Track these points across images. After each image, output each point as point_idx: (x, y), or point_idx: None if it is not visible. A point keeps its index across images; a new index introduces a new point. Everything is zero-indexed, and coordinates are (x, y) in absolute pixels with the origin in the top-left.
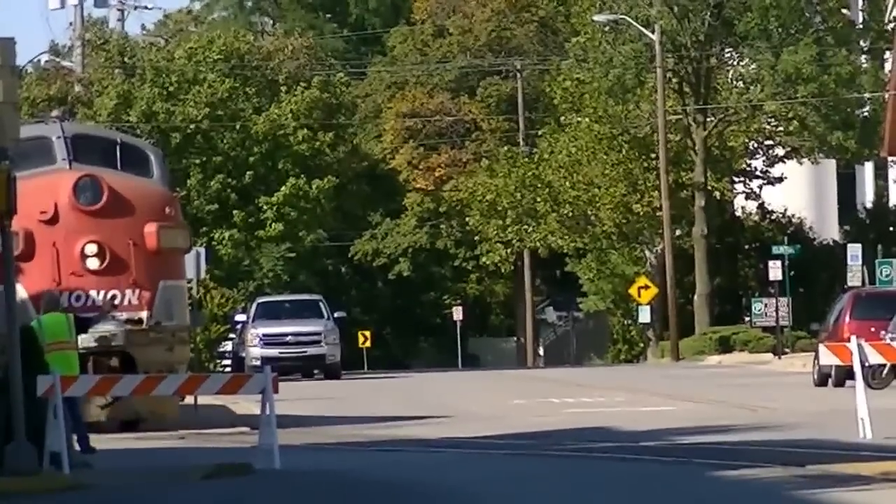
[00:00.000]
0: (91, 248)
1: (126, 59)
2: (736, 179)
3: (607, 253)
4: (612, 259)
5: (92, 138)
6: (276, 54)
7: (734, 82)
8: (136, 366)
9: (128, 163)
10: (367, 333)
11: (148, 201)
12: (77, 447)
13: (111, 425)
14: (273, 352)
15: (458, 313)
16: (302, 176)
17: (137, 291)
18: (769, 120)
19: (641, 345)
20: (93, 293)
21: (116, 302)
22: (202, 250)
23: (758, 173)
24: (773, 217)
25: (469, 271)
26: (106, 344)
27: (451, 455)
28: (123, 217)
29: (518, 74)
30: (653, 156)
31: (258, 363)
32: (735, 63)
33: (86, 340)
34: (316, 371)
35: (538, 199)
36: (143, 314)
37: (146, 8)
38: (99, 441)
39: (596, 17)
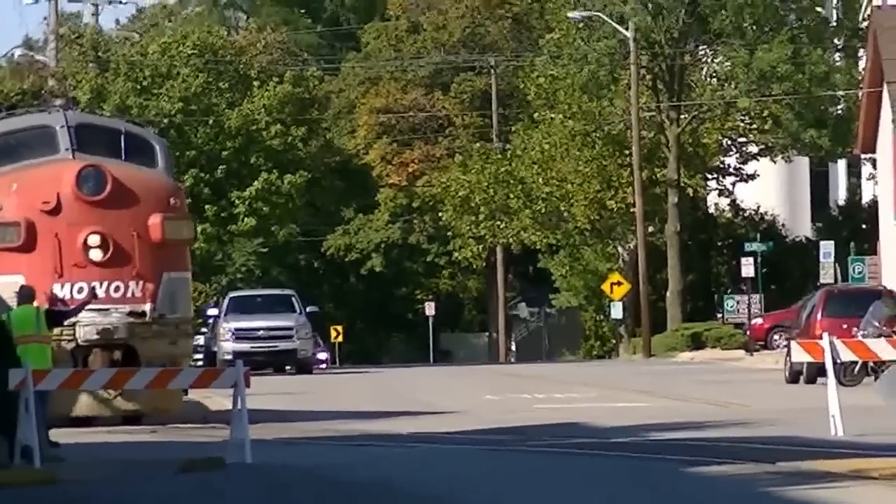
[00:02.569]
0: (94, 240)
1: (100, 54)
2: (709, 176)
3: (580, 249)
4: (584, 255)
5: (96, 128)
6: (248, 49)
7: (708, 79)
8: (138, 359)
9: (132, 153)
10: (339, 328)
11: (152, 192)
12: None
13: (113, 419)
14: (245, 346)
15: (430, 308)
16: (274, 171)
17: (141, 283)
18: (743, 117)
19: (613, 341)
20: (95, 285)
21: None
22: None
23: (731, 170)
24: (745, 214)
25: (441, 267)
26: (108, 336)
27: (423, 450)
28: (127, 208)
29: (492, 70)
30: (626, 152)
31: (230, 357)
32: (709, 60)
33: (88, 333)
34: (288, 366)
35: (511, 195)
36: (147, 307)
37: (120, 2)
38: (71, 434)
39: (570, 14)
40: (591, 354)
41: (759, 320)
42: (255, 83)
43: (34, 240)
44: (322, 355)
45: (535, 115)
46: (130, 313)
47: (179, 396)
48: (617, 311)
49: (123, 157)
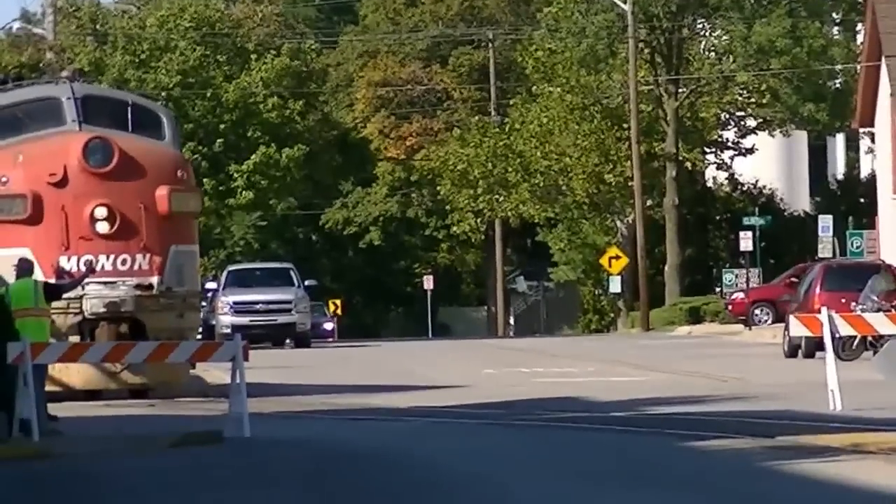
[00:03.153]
0: (101, 212)
1: (98, 27)
2: (707, 150)
3: (578, 223)
4: (583, 229)
5: (103, 99)
6: (246, 22)
7: (706, 53)
8: (146, 332)
9: (139, 125)
10: (338, 302)
11: (159, 164)
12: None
13: (120, 393)
14: (243, 320)
15: (428, 282)
16: (272, 144)
17: (148, 256)
18: (741, 91)
19: (612, 315)
20: (102, 258)
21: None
22: None
23: (729, 144)
24: (744, 188)
25: (440, 240)
26: (115, 310)
27: (422, 424)
28: (134, 180)
29: (490, 44)
30: (625, 126)
31: (228, 331)
32: (707, 34)
33: (95, 306)
34: (287, 340)
35: (509, 169)
36: (154, 279)
37: None
38: (69, 408)
39: None
40: (589, 328)
41: (740, 295)
42: (253, 56)
43: (41, 212)
44: (328, 325)
45: (534, 88)
46: (137, 286)
47: (186, 370)
48: (615, 285)
49: (130, 129)
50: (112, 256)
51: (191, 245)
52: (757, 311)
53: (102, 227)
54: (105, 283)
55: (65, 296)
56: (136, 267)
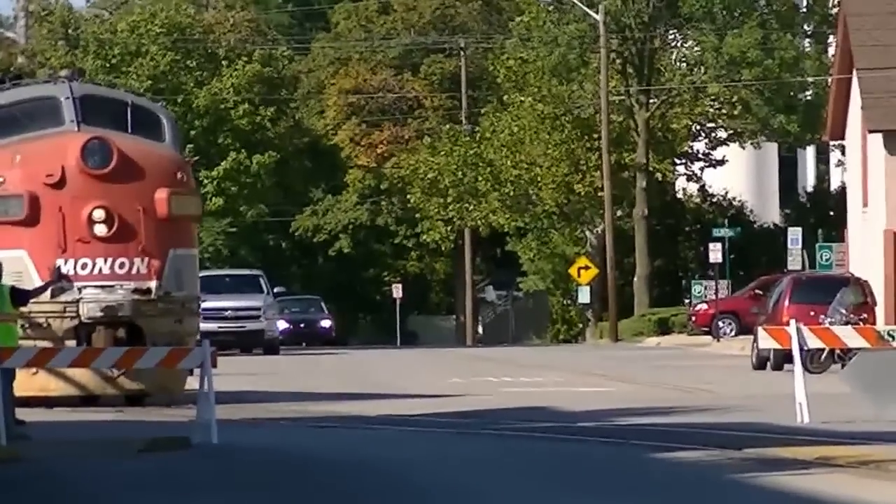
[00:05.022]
0: (99, 214)
1: (69, 31)
2: (678, 161)
3: (548, 232)
4: (552, 239)
5: (102, 99)
6: (217, 27)
7: (678, 64)
8: (143, 337)
9: (139, 125)
10: None
11: (159, 166)
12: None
13: (117, 399)
14: (212, 326)
15: (397, 291)
16: (243, 150)
17: (146, 260)
18: (712, 102)
19: (580, 325)
20: (99, 261)
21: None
22: None
23: (700, 155)
24: (714, 199)
25: (409, 249)
26: (113, 314)
27: (389, 433)
28: (133, 182)
29: (462, 52)
30: (595, 136)
31: (197, 337)
32: (679, 45)
33: (92, 310)
34: (255, 347)
35: (480, 178)
36: (152, 284)
37: None
38: (37, 413)
39: None
40: (557, 338)
41: (704, 306)
42: (224, 62)
43: (38, 213)
44: (325, 322)
45: (505, 97)
46: (135, 290)
47: (184, 376)
48: (584, 296)
49: (129, 130)
50: (110, 259)
51: (190, 249)
52: (720, 323)
53: (100, 230)
54: (102, 286)
55: (61, 299)
56: (134, 270)
